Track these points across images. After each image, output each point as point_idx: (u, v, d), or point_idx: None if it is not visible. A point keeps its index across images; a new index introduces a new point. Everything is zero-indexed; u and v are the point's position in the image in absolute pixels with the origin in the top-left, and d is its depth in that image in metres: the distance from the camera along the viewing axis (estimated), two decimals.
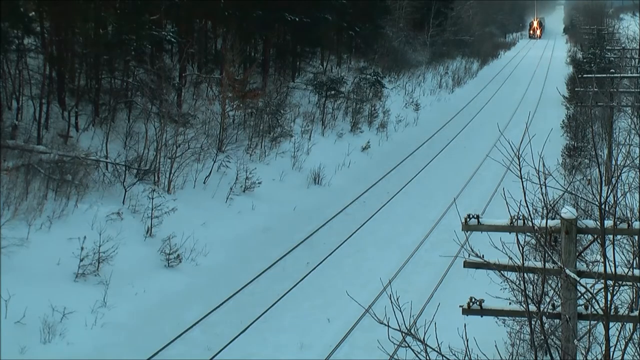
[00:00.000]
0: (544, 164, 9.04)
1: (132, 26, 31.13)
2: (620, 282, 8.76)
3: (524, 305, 8.87)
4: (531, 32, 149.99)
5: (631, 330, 8.77)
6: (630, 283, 10.32)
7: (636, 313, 8.91)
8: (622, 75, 42.58)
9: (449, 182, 36.73)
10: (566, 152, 39.50)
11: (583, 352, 8.93)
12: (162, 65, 33.54)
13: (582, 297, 8.92)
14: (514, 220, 9.16)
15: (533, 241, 11.22)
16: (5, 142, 24.23)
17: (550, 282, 10.79)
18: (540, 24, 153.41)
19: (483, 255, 9.22)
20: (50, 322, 18.39)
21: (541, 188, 8.90)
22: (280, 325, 20.94)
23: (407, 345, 8.61)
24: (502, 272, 9.82)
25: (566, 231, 8.86)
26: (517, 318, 15.41)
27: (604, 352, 8.23)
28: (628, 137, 28.19)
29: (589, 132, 39.89)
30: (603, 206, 8.50)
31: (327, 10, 49.25)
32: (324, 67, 53.55)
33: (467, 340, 8.56)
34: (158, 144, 28.21)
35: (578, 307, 8.95)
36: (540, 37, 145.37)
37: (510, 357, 15.33)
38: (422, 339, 8.47)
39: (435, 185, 36.60)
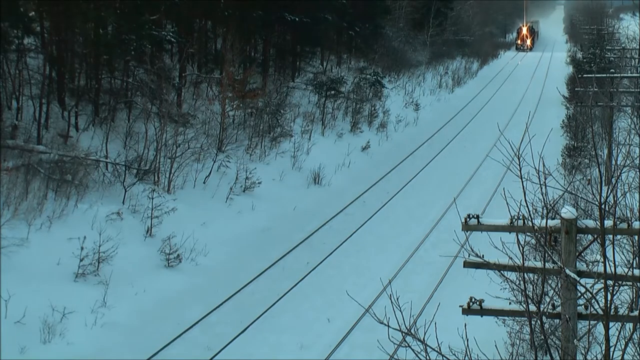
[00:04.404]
0: (544, 164, 9.04)
1: (132, 26, 31.14)
2: (620, 282, 8.76)
3: (524, 305, 8.86)
4: (519, 41, 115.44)
5: (631, 330, 8.77)
6: (630, 283, 10.32)
7: (636, 313, 8.91)
8: (622, 75, 42.57)
9: (448, 182, 36.71)
10: (566, 152, 39.50)
11: (583, 352, 8.93)
12: (162, 65, 33.54)
13: (582, 297, 8.92)
14: (514, 220, 9.16)
15: (533, 241, 11.21)
16: (5, 142, 24.22)
17: (550, 282, 10.80)
18: (532, 31, 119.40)
19: (483, 255, 9.22)
20: (50, 322, 18.39)
21: (541, 188, 8.90)
22: (280, 325, 20.92)
23: (407, 345, 8.61)
24: (502, 272, 9.83)
25: (566, 231, 8.86)
26: (517, 318, 15.41)
27: (604, 352, 8.23)
28: (628, 137, 28.16)
29: (589, 132, 39.89)
30: (603, 206, 8.50)
31: (327, 10, 49.29)
32: (324, 67, 53.54)
33: (467, 340, 8.56)
34: (158, 144, 28.21)
35: (578, 307, 8.95)
36: (531, 48, 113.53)
37: (510, 357, 15.30)
38: (422, 339, 8.47)
39: (435, 185, 36.58)
